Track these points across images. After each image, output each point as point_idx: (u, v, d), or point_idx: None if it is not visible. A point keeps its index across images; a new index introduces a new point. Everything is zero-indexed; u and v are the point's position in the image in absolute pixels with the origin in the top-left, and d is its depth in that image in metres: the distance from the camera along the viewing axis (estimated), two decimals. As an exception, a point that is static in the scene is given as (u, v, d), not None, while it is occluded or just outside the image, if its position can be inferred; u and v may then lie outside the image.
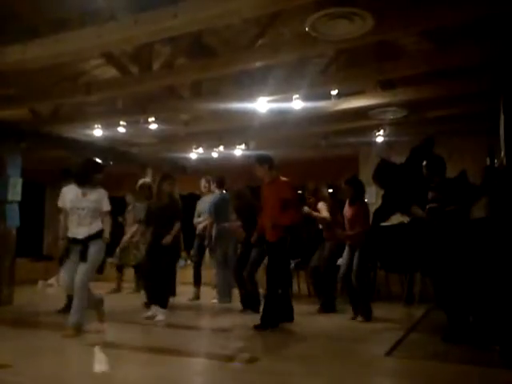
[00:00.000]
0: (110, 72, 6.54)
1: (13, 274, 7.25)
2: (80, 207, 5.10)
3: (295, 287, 8.02)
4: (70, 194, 5.17)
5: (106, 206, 5.28)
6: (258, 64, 5.34)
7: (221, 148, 9.62)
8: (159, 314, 5.92)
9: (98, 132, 8.08)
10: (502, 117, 5.70)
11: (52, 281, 9.89)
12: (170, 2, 4.05)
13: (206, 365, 4.24)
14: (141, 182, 7.85)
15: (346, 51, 5.99)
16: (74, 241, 5.08)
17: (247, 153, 9.32)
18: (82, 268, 4.97)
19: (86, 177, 5.20)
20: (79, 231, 5.08)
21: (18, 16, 5.26)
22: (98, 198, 5.21)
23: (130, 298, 8.11)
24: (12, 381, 3.57)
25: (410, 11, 4.50)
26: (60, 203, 5.25)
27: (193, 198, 9.47)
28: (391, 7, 4.70)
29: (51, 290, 9.26)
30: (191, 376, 3.95)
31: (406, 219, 7.60)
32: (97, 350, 4.56)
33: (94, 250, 5.06)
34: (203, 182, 8.29)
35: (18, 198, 7.35)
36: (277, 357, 4.40)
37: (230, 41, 6.05)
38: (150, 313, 6.01)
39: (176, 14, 4.01)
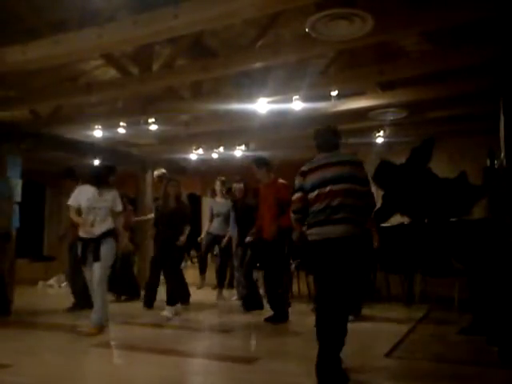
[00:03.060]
0: (111, 73, 6.55)
1: (13, 275, 7.25)
2: (97, 207, 5.18)
3: (295, 288, 8.02)
4: (86, 194, 5.23)
5: (119, 207, 5.37)
6: (258, 65, 5.35)
7: (221, 149, 9.63)
8: (166, 310, 6.06)
9: (98, 133, 8.08)
10: (502, 117, 5.71)
11: (52, 281, 9.90)
12: (170, 3, 4.06)
13: (206, 365, 4.24)
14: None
15: (346, 52, 6.00)
16: (89, 240, 5.13)
17: (247, 154, 9.33)
18: (97, 267, 5.05)
19: (102, 179, 5.34)
20: (94, 230, 5.14)
21: (18, 17, 5.28)
22: (113, 198, 5.31)
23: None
24: (12, 381, 3.57)
25: (409, 12, 4.51)
26: (73, 202, 5.26)
27: (193, 199, 9.48)
28: (391, 8, 4.71)
29: (51, 291, 9.26)
30: (192, 376, 3.95)
31: (405, 220, 7.63)
32: (98, 350, 4.56)
33: (106, 248, 5.11)
34: (219, 185, 8.11)
35: (18, 198, 7.35)
36: (277, 357, 4.40)
37: (230, 42, 6.06)
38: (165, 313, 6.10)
39: (176, 14, 4.02)
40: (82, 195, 5.25)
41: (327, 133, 3.80)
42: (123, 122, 7.85)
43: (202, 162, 10.35)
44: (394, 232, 7.50)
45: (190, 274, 8.48)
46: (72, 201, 5.29)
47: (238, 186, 6.92)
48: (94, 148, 8.90)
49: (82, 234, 5.22)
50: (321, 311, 3.53)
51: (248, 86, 6.56)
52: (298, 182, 3.68)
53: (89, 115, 7.78)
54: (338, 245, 3.43)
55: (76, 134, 8.44)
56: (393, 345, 4.57)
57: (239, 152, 9.63)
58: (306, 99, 6.58)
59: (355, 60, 6.17)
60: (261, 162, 5.91)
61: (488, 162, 6.04)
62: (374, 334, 5.29)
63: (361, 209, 3.54)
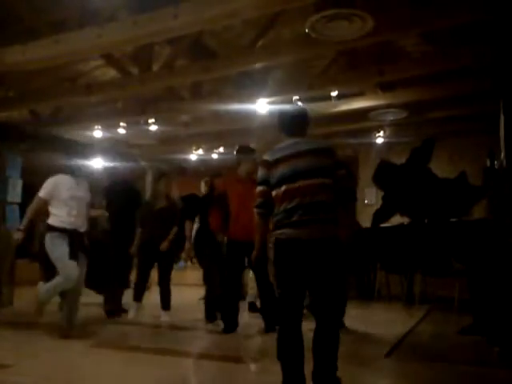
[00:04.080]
0: (111, 73, 6.56)
1: (13, 275, 7.25)
2: (79, 197, 4.79)
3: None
4: (65, 184, 4.76)
5: (89, 197, 4.99)
6: (258, 65, 5.36)
7: (221, 149, 9.63)
8: (164, 314, 5.95)
9: (98, 133, 8.09)
10: (502, 118, 5.71)
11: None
12: (170, 3, 4.06)
13: (205, 365, 4.24)
14: None
15: (346, 53, 6.01)
16: (76, 232, 4.74)
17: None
18: (83, 264, 4.80)
19: (78, 167, 4.91)
20: (79, 223, 4.78)
21: (18, 17, 5.28)
22: (86, 188, 4.94)
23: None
24: (12, 381, 3.56)
25: (409, 13, 4.52)
26: (47, 194, 4.72)
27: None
28: (391, 9, 4.72)
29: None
30: (191, 377, 3.95)
31: (405, 220, 7.64)
32: (98, 350, 4.56)
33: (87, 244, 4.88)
34: (203, 186, 8.11)
35: (18, 199, 7.35)
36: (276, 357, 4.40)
37: (230, 42, 6.06)
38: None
39: (176, 14, 4.02)
40: (61, 186, 4.75)
41: (294, 113, 3.32)
42: (123, 122, 7.86)
43: (202, 162, 10.35)
44: (394, 232, 7.52)
45: (190, 274, 8.48)
46: (45, 193, 4.73)
47: (217, 181, 6.18)
48: (93, 148, 8.90)
49: (64, 224, 4.71)
50: (283, 324, 3.08)
51: (248, 86, 6.57)
52: (261, 173, 3.17)
53: (89, 115, 7.79)
54: (311, 246, 2.97)
55: (76, 134, 8.45)
56: (393, 345, 4.57)
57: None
58: (305, 100, 6.58)
59: (355, 60, 6.17)
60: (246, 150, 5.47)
61: (488, 162, 6.04)
62: (374, 334, 5.29)
63: (333, 206, 3.07)
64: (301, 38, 4.79)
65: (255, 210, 3.21)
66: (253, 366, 4.05)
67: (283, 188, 3.05)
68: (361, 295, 7.68)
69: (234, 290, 5.32)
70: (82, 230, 4.83)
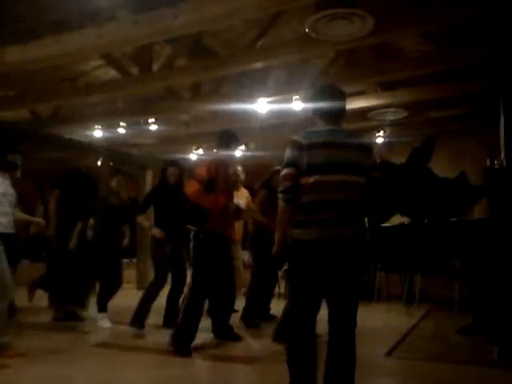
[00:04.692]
0: (111, 73, 6.55)
1: (13, 276, 7.24)
2: (8, 193, 4.26)
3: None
4: None
5: (14, 193, 4.46)
6: (258, 65, 5.35)
7: (221, 149, 9.62)
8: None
9: (97, 133, 8.09)
10: (502, 117, 5.71)
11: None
12: (170, 3, 4.06)
13: (206, 365, 4.24)
14: None
15: (347, 52, 6.00)
16: (11, 236, 4.28)
17: (247, 154, 9.33)
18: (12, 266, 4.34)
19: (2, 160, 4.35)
20: (10, 223, 4.32)
21: (19, 17, 5.28)
22: (9, 183, 4.38)
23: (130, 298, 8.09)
24: (12, 381, 3.57)
25: (409, 13, 4.52)
26: None
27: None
28: (391, 9, 4.72)
29: (51, 291, 9.23)
30: (191, 376, 3.95)
31: (405, 220, 7.63)
32: (98, 350, 4.56)
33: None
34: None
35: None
36: (277, 357, 4.39)
37: (230, 42, 6.06)
38: None
39: (176, 14, 4.02)
40: None
41: (334, 94, 2.91)
42: (123, 122, 7.86)
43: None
44: (394, 232, 7.51)
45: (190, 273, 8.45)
46: None
47: (172, 170, 5.45)
48: (93, 148, 8.90)
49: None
50: (297, 331, 2.81)
51: (248, 86, 6.57)
52: (291, 154, 2.71)
53: (89, 115, 7.79)
54: (337, 248, 2.66)
55: (76, 134, 8.45)
56: (393, 344, 4.57)
57: (239, 152, 9.61)
58: (306, 99, 6.58)
59: (355, 60, 6.17)
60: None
61: (488, 162, 6.04)
62: (374, 334, 5.29)
63: (363, 207, 2.78)
64: (301, 37, 4.79)
65: (281, 196, 2.74)
66: (253, 366, 4.04)
67: (313, 178, 2.65)
68: (361, 295, 7.66)
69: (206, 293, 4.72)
70: (13, 231, 4.41)
